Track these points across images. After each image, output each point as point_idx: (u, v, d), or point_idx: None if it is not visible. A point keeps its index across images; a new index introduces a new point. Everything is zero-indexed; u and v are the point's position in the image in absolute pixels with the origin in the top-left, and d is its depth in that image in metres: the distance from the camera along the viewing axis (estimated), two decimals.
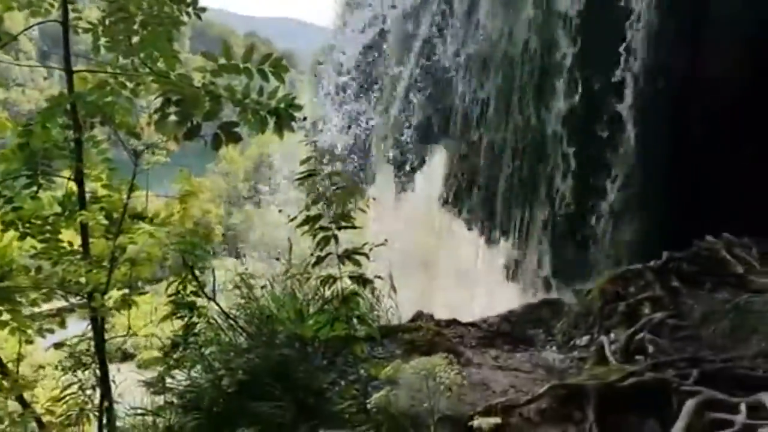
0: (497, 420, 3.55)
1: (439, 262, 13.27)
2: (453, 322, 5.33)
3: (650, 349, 4.58)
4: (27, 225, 3.62)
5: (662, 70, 7.71)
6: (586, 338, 5.22)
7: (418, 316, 5.24)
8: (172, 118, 3.22)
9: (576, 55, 8.51)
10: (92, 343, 3.78)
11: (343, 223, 3.51)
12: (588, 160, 8.49)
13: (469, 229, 12.27)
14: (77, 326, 4.06)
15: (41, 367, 4.15)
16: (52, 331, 3.80)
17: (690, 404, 3.60)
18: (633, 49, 7.86)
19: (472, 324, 5.44)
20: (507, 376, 4.20)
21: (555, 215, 9.09)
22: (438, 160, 13.92)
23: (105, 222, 3.69)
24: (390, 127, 15.18)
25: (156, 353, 3.96)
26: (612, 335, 4.94)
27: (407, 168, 15.33)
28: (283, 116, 3.31)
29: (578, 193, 8.68)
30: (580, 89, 8.50)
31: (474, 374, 4.08)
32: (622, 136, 8.00)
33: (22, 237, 3.64)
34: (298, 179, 3.44)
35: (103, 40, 3.39)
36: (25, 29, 4.17)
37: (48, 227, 3.62)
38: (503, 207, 10.82)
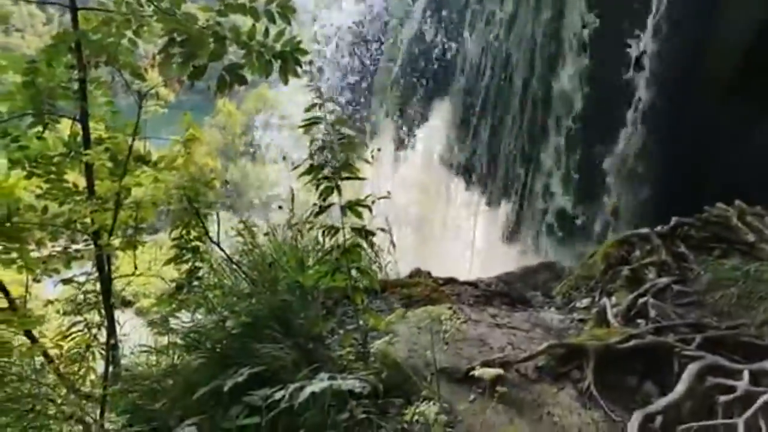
0: (499, 371, 3.58)
1: (437, 220, 13.18)
2: (450, 280, 5.32)
3: (653, 313, 4.53)
4: (33, 164, 3.65)
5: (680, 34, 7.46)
6: (586, 301, 5.19)
7: (416, 272, 5.25)
8: (177, 59, 3.18)
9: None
10: (97, 284, 3.84)
11: (347, 174, 3.45)
12: (597, 121, 8.31)
13: (468, 189, 12.12)
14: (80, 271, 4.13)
15: (49, 302, 4.23)
16: (57, 271, 3.87)
17: (692, 368, 3.58)
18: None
19: (470, 283, 5.43)
20: (505, 334, 4.19)
21: (559, 177, 8.94)
22: (441, 117, 13.56)
23: (109, 164, 3.70)
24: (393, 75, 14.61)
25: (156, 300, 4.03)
26: (614, 298, 4.90)
27: (409, 123, 14.90)
28: (289, 60, 3.25)
29: (585, 155, 8.52)
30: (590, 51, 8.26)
31: (471, 330, 4.08)
32: (633, 98, 7.78)
33: (29, 176, 3.67)
34: (302, 126, 3.38)
35: None
36: None
37: (53, 167, 3.65)
38: (505, 168, 10.65)
